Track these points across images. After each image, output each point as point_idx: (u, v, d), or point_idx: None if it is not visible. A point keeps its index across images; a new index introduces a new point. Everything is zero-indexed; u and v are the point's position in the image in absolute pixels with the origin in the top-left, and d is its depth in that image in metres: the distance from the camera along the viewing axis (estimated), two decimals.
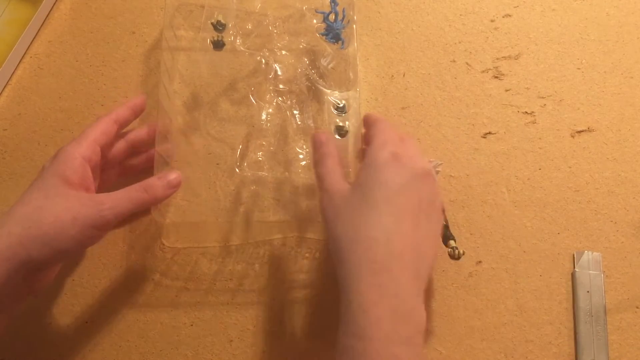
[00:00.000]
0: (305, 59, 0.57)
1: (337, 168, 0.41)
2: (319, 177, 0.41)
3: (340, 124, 0.54)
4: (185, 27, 0.61)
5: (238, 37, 0.57)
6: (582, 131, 0.62)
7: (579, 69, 0.65)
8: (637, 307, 0.55)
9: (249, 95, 0.57)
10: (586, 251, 0.57)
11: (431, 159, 0.59)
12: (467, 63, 0.66)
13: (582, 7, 0.68)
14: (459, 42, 0.67)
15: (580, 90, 0.64)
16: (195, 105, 0.58)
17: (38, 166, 0.55)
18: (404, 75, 0.65)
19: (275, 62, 0.57)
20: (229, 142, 0.57)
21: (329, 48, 0.56)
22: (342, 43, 0.52)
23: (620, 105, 0.64)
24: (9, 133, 0.60)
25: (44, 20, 0.65)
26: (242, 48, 0.56)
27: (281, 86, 0.56)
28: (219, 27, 0.57)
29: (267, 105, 0.56)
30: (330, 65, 0.58)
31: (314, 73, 0.56)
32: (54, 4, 0.66)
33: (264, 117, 0.55)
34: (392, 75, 0.65)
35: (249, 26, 0.57)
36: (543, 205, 0.59)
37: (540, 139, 0.62)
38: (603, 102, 0.64)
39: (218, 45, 0.58)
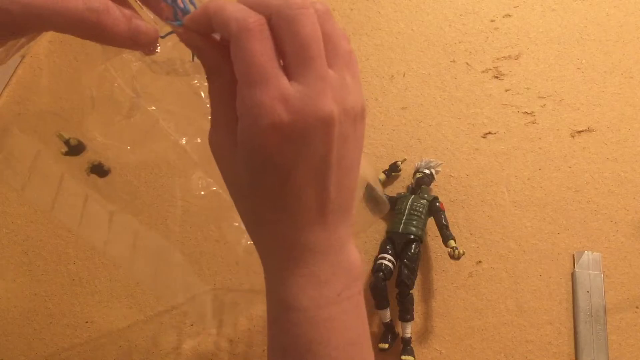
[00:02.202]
0: None
1: (228, 92, 0.26)
2: (210, 99, 0.27)
3: None
4: None
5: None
6: (582, 131, 0.62)
7: (579, 69, 0.65)
8: (637, 307, 0.55)
9: None
10: (586, 251, 0.57)
11: (431, 159, 0.59)
12: (467, 63, 0.66)
13: (582, 7, 0.68)
14: (459, 42, 0.67)
15: (580, 90, 0.64)
16: None
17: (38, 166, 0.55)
18: (404, 75, 0.65)
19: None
20: None
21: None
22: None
23: (620, 105, 0.63)
24: (9, 133, 0.60)
25: None
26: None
27: None
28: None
29: None
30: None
31: None
32: None
33: None
34: (392, 75, 0.65)
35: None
36: (543, 205, 0.59)
37: (540, 139, 0.62)
38: (603, 102, 0.64)
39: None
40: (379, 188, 0.49)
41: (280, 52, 0.24)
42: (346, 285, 0.29)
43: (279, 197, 0.26)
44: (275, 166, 0.25)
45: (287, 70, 0.24)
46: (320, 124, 0.24)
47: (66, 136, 0.43)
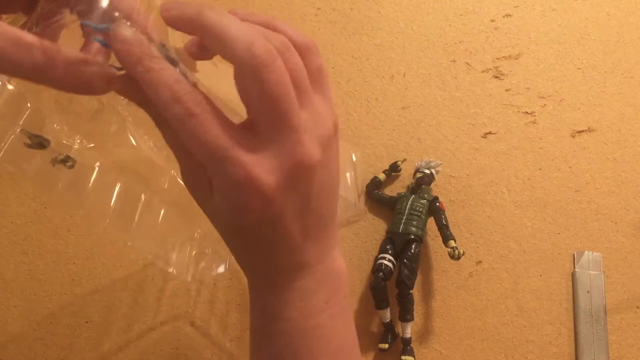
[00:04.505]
0: None
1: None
2: (171, 147, 0.25)
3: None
4: None
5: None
6: (583, 131, 0.62)
7: (579, 69, 0.65)
8: (638, 307, 0.55)
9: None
10: (586, 251, 0.57)
11: (431, 159, 0.59)
12: (467, 63, 0.66)
13: (583, 7, 0.68)
14: (459, 42, 0.67)
15: (580, 90, 0.64)
16: None
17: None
18: (404, 75, 0.65)
19: None
20: None
21: None
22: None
23: (620, 105, 0.63)
24: None
25: None
26: None
27: None
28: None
29: None
30: None
31: None
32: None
33: None
34: (393, 75, 0.65)
35: None
36: (543, 205, 0.59)
37: (540, 139, 0.62)
38: (603, 102, 0.64)
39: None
40: (351, 194, 0.46)
41: (246, 99, 0.23)
42: (333, 293, 0.29)
43: (265, 241, 0.26)
44: (260, 224, 0.24)
45: (254, 123, 0.23)
46: (302, 172, 0.23)
47: (30, 131, 0.42)
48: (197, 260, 0.53)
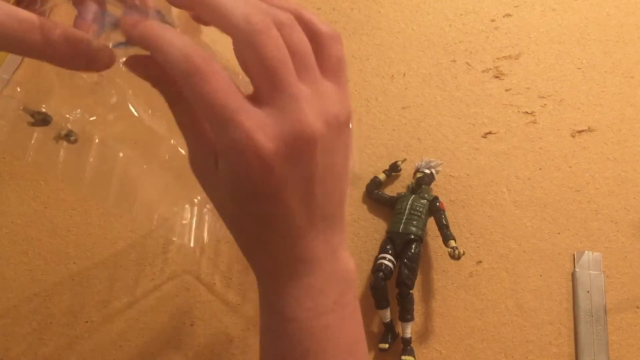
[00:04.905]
0: None
1: (197, 116, 0.26)
2: (181, 126, 0.26)
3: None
4: None
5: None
6: (583, 131, 0.62)
7: (579, 69, 0.65)
8: (638, 307, 0.55)
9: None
10: (586, 251, 0.57)
11: (431, 159, 0.59)
12: (467, 63, 0.66)
13: (583, 7, 0.68)
14: (460, 42, 0.67)
15: (580, 90, 0.64)
16: None
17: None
18: (404, 75, 0.65)
19: None
20: None
21: None
22: None
23: (620, 105, 0.63)
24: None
25: None
26: None
27: None
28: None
29: None
30: None
31: None
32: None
33: None
34: (393, 75, 0.65)
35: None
36: (543, 205, 0.59)
37: (540, 138, 0.62)
38: (603, 102, 0.64)
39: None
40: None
41: (246, 69, 0.23)
42: (342, 293, 0.29)
43: (268, 221, 0.26)
44: (262, 195, 0.24)
45: (256, 93, 0.23)
46: (302, 143, 0.23)
47: (32, 109, 0.42)
48: (199, 225, 0.53)
